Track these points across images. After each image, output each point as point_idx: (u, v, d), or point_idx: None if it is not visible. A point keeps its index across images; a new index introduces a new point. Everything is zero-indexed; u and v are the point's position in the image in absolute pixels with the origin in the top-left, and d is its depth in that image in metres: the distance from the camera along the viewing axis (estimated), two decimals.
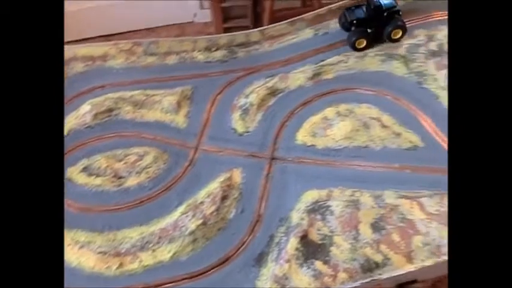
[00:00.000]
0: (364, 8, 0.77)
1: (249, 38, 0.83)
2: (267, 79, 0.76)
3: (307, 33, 0.84)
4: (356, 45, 0.76)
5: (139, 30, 1.97)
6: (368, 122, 0.67)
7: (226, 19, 1.95)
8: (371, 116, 0.68)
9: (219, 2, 1.78)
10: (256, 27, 0.85)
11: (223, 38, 0.83)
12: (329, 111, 0.69)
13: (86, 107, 0.69)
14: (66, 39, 0.74)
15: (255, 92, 0.73)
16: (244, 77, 0.78)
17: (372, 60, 0.75)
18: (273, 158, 0.65)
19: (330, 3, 0.85)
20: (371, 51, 0.77)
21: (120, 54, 0.78)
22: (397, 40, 0.77)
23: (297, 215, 0.57)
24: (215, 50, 0.82)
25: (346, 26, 0.78)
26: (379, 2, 0.75)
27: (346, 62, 0.76)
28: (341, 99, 0.71)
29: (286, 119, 0.70)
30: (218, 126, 0.70)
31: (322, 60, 0.78)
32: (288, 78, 0.75)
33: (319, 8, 0.88)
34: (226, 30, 2.03)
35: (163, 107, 0.71)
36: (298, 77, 0.75)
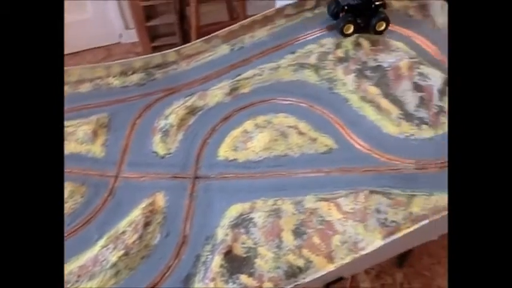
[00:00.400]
0: None
1: (165, 58, 0.83)
2: (186, 98, 0.77)
3: (224, 49, 0.86)
4: (344, 30, 0.82)
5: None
6: (285, 130, 0.69)
7: (154, 37, 1.94)
8: (288, 124, 0.70)
9: (143, 22, 1.76)
10: (185, 44, 0.85)
11: (139, 61, 0.82)
12: (248, 124, 0.71)
13: None
14: None
15: (174, 112, 0.73)
16: (163, 98, 0.78)
17: (285, 71, 0.78)
18: (196, 177, 0.65)
19: (255, 14, 0.87)
20: (283, 63, 0.80)
21: None
22: (381, 32, 0.82)
23: (222, 231, 0.57)
24: (131, 74, 0.81)
25: (335, 13, 0.84)
26: None
27: (261, 75, 0.78)
28: (259, 111, 0.73)
29: (208, 136, 0.71)
30: (138, 152, 0.69)
31: (239, 75, 0.79)
32: (207, 96, 0.76)
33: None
34: (155, 48, 2.02)
35: (78, 137, 0.69)
36: (216, 94, 0.76)
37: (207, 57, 0.85)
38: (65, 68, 0.77)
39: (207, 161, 0.67)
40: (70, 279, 0.52)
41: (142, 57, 0.83)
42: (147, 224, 0.58)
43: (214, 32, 0.86)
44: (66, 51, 1.90)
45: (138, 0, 1.69)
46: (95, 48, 1.97)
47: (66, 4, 1.79)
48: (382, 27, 0.81)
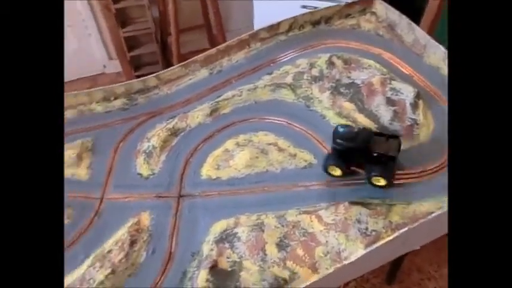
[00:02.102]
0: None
1: (146, 84, 0.86)
2: (168, 121, 0.79)
3: (203, 73, 0.89)
4: (329, 170, 0.65)
5: None
6: (266, 148, 0.72)
7: (137, 67, 1.97)
8: (268, 142, 0.73)
9: (125, 52, 1.80)
10: None
11: (120, 87, 0.84)
12: (229, 143, 0.73)
13: None
14: None
15: (156, 134, 0.75)
16: (145, 121, 0.80)
17: (263, 91, 0.81)
18: (180, 196, 0.66)
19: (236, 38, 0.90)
20: (261, 84, 0.83)
21: None
22: (380, 187, 0.63)
23: (207, 247, 0.58)
24: (114, 100, 0.84)
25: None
26: (370, 140, 0.61)
27: (240, 96, 0.81)
28: (239, 130, 0.76)
29: (190, 156, 0.72)
30: (123, 173, 0.70)
31: (219, 97, 0.82)
32: (188, 117, 0.78)
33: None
34: (138, 77, 2.05)
35: (64, 161, 0.69)
36: (198, 115, 0.79)
37: (187, 81, 0.88)
38: None
39: (190, 180, 0.68)
40: None
41: (124, 83, 0.85)
42: (133, 243, 0.58)
43: None
44: None
45: (119, 32, 1.73)
46: (80, 78, 1.99)
47: None
48: (380, 183, 0.62)
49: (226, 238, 0.59)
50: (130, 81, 0.85)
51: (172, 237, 0.60)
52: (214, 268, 0.54)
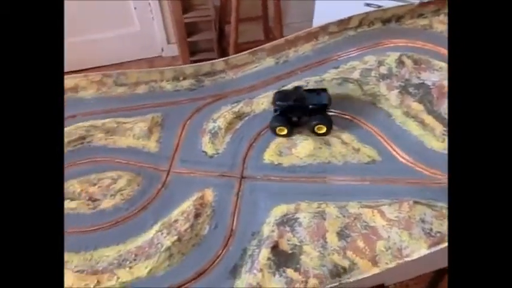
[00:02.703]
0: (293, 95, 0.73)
1: (214, 67, 0.89)
2: (233, 104, 0.81)
3: (268, 61, 0.90)
4: (277, 131, 0.73)
5: (109, 65, 2.01)
6: (329, 139, 0.72)
7: (193, 53, 2.02)
8: (331, 134, 0.73)
9: (185, 37, 1.85)
10: None
11: (189, 68, 0.87)
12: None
13: None
14: None
15: (222, 116, 0.77)
16: (211, 103, 0.82)
17: (330, 84, 0.81)
18: (242, 177, 0.68)
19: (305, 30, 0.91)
20: (328, 77, 0.83)
21: (91, 85, 0.81)
22: (323, 134, 0.73)
23: (267, 228, 0.60)
24: (182, 80, 0.87)
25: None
26: (304, 96, 0.72)
27: (306, 87, 0.82)
28: None
29: (253, 140, 0.74)
30: (189, 150, 0.73)
31: (284, 86, 0.83)
32: (253, 103, 0.80)
33: None
34: (193, 63, 2.11)
35: (135, 133, 0.73)
36: (263, 102, 0.80)
37: (252, 68, 0.90)
38: (125, 71, 0.83)
39: (253, 163, 0.70)
40: (128, 257, 0.55)
41: (193, 65, 0.88)
42: (197, 215, 0.61)
43: (251, 49, 0.91)
44: (112, 62, 2.01)
45: (182, 17, 1.78)
46: (138, 60, 2.07)
47: (116, 18, 1.91)
48: (323, 131, 0.73)
49: (287, 222, 0.60)
50: (199, 63, 0.88)
51: (234, 215, 0.62)
52: (275, 248, 0.56)
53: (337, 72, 0.84)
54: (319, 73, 0.85)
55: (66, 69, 0.81)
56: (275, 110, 0.73)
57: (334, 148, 0.71)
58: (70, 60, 1.93)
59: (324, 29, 0.90)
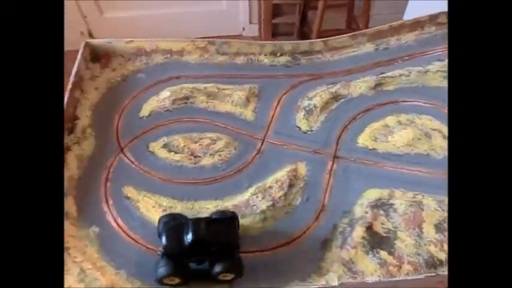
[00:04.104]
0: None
1: (312, 47, 0.88)
2: (329, 85, 0.81)
3: (368, 47, 0.88)
4: (165, 282, 0.49)
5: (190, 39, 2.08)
6: (429, 132, 0.70)
7: (273, 35, 2.03)
8: (432, 127, 0.71)
9: (270, 18, 1.87)
10: None
11: (288, 45, 0.88)
12: (390, 120, 0.73)
13: (165, 93, 0.74)
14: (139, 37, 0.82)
15: (318, 95, 0.77)
16: (307, 81, 0.82)
17: (434, 76, 0.78)
18: (335, 157, 0.68)
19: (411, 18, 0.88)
20: (432, 68, 0.80)
21: (195, 50, 0.84)
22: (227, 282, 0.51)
23: (360, 209, 0.60)
24: (280, 56, 0.88)
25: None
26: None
27: (408, 76, 0.79)
28: (401, 109, 0.75)
29: (348, 122, 0.74)
30: (283, 123, 0.74)
31: (383, 73, 0.81)
32: (350, 86, 0.79)
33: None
34: None
35: (234, 100, 0.76)
36: (360, 86, 0.79)
37: (350, 52, 0.88)
38: (229, 40, 0.85)
39: (346, 145, 0.70)
40: None
41: (292, 42, 0.88)
42: (291, 186, 0.62)
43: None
44: (194, 35, 2.08)
45: None
46: (219, 36, 2.12)
47: None
48: (228, 278, 0.51)
49: (381, 206, 0.59)
50: (299, 41, 0.88)
51: (325, 191, 0.63)
52: (369, 229, 0.56)
53: (442, 65, 0.81)
54: (423, 64, 0.82)
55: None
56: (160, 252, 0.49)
57: (434, 141, 0.69)
58: (157, 30, 2.04)
59: (433, 18, 0.87)
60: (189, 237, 0.47)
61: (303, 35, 2.02)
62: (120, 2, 1.90)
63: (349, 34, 0.90)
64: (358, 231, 0.55)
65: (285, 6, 1.96)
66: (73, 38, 2.03)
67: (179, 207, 0.58)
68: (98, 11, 1.91)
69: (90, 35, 1.99)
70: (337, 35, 0.91)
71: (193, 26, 2.08)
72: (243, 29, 2.14)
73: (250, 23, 2.12)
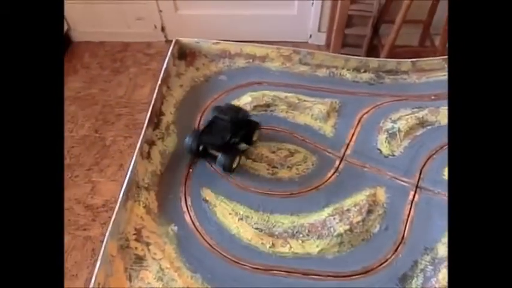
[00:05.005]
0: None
1: (399, 66, 0.85)
2: (414, 110, 0.77)
3: None
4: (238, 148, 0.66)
5: (257, 41, 2.09)
6: None
7: (341, 45, 1.99)
8: None
9: (343, 28, 1.83)
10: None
11: (374, 61, 0.85)
12: None
13: (247, 98, 0.74)
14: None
15: (403, 119, 0.74)
16: (391, 102, 0.79)
17: None
18: (418, 187, 0.64)
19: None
20: None
21: (278, 58, 0.83)
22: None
23: (444, 248, 0.56)
24: (363, 72, 0.85)
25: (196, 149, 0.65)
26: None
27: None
28: None
29: (435, 152, 0.69)
30: (363, 143, 0.71)
31: None
32: (439, 113, 0.75)
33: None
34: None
35: (314, 113, 0.74)
36: None
37: (440, 76, 0.84)
38: (313, 51, 0.84)
39: (431, 176, 0.66)
40: (301, 230, 0.57)
41: (379, 59, 0.85)
42: (370, 211, 0.59)
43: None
44: (262, 39, 2.09)
45: (348, 7, 1.76)
46: (284, 41, 2.11)
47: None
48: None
49: None
50: (386, 59, 0.85)
51: (406, 222, 0.60)
52: None
53: None
54: None
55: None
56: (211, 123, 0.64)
57: None
58: (224, 30, 2.07)
59: None
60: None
61: (373, 48, 1.96)
62: (195, 1, 1.95)
63: (443, 57, 0.85)
64: (444, 274, 0.51)
65: (356, 17, 1.92)
66: (147, 30, 2.12)
67: (255, 218, 0.57)
68: (174, 7, 1.97)
69: (163, 30, 2.05)
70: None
71: (260, 28, 2.09)
72: (310, 36, 2.11)
73: (319, 31, 2.09)
